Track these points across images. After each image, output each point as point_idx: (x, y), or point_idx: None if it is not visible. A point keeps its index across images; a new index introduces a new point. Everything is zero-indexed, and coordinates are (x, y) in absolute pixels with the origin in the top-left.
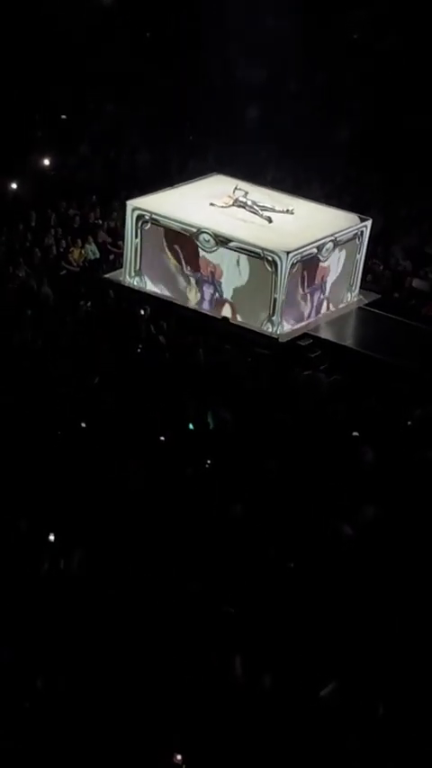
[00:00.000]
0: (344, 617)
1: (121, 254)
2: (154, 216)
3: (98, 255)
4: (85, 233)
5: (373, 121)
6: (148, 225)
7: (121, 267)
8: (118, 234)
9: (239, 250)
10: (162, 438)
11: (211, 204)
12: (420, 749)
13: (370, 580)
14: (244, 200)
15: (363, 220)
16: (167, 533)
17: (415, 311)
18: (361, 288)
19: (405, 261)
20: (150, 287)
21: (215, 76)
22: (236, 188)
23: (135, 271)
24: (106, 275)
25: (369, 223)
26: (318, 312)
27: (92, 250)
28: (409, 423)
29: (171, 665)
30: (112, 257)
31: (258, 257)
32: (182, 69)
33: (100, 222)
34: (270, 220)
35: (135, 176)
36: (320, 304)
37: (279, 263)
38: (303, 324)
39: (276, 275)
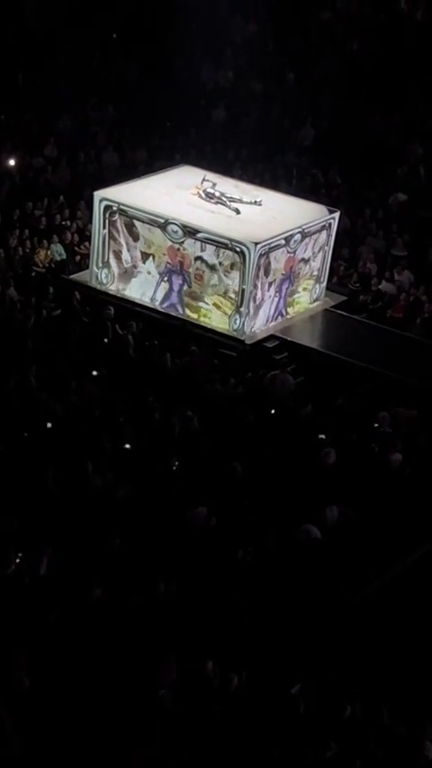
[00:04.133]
0: (312, 617)
1: (88, 255)
2: (122, 206)
3: (64, 256)
4: (51, 234)
5: (338, 122)
6: (116, 216)
7: (87, 268)
8: (84, 234)
9: (207, 241)
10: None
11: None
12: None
13: (337, 581)
14: (212, 191)
15: (331, 212)
16: (135, 535)
17: (381, 313)
18: (327, 290)
19: (371, 263)
20: (116, 281)
21: (182, 76)
22: (204, 179)
23: (102, 262)
24: (72, 276)
25: (337, 215)
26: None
27: (57, 251)
28: (376, 425)
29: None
30: (78, 258)
31: (226, 248)
32: (148, 69)
33: (67, 223)
34: (238, 212)
35: (102, 177)
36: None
37: (247, 253)
38: (270, 324)
39: (244, 266)
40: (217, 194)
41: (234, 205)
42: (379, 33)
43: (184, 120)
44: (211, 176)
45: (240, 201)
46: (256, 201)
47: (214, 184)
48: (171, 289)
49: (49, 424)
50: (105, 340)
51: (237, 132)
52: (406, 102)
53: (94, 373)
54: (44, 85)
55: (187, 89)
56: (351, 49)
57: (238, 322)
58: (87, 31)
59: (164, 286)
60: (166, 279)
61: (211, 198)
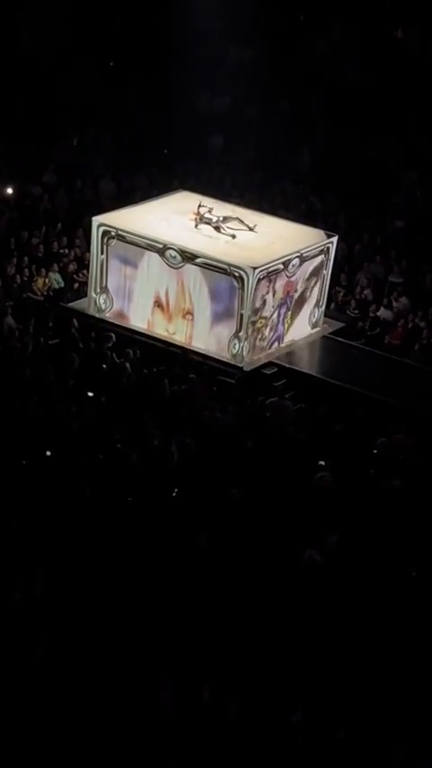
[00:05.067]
0: (311, 642)
1: (86, 283)
2: (120, 232)
3: (62, 284)
4: (49, 262)
5: (335, 149)
6: (114, 241)
7: (86, 296)
8: (82, 262)
9: (206, 266)
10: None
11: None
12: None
13: (337, 606)
14: (210, 216)
15: (329, 237)
16: (133, 561)
17: (379, 340)
18: (326, 316)
19: (369, 289)
20: (115, 305)
21: (179, 104)
22: (200, 205)
23: (100, 287)
24: (70, 304)
25: (335, 239)
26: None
27: (56, 279)
28: (375, 451)
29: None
30: (76, 286)
31: (225, 273)
32: (146, 97)
33: (65, 251)
34: (233, 236)
35: (100, 205)
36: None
37: (246, 278)
38: (269, 351)
39: (243, 291)
40: (213, 219)
41: (229, 230)
42: (374, 61)
43: (182, 148)
44: (209, 201)
45: (236, 226)
46: (250, 227)
47: (210, 209)
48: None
49: (48, 452)
50: (104, 366)
51: (234, 159)
52: (402, 128)
53: (90, 394)
54: (42, 113)
55: (184, 117)
56: (347, 77)
57: (237, 347)
58: (85, 60)
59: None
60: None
61: (207, 223)
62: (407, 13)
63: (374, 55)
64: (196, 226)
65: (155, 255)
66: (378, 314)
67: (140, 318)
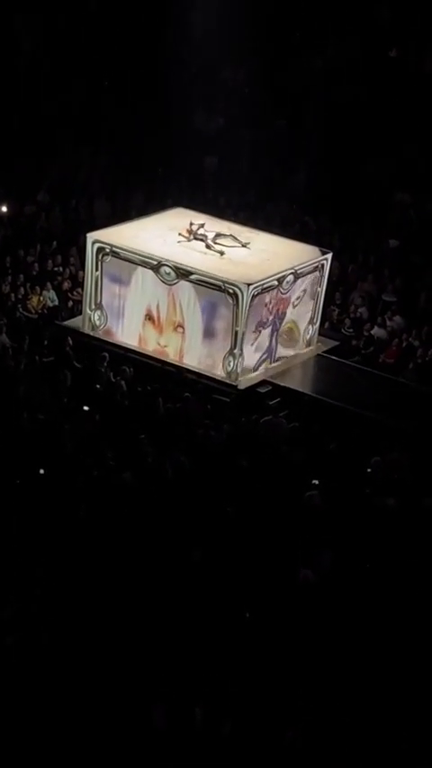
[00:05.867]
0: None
1: (80, 301)
2: (114, 248)
3: (57, 302)
4: (43, 280)
5: (329, 168)
6: (109, 257)
7: (80, 314)
8: (77, 281)
9: (200, 282)
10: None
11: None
12: None
13: (331, 623)
14: (203, 232)
15: (324, 253)
16: (128, 577)
17: (374, 358)
18: (320, 335)
19: (363, 308)
20: (109, 323)
21: (174, 123)
22: (191, 223)
23: (95, 304)
24: (65, 322)
25: (330, 256)
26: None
27: (50, 297)
28: (369, 470)
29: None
30: (70, 304)
31: (219, 289)
32: (141, 117)
33: (60, 269)
34: (222, 253)
35: (94, 223)
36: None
37: (240, 295)
38: (263, 370)
39: (237, 308)
40: (207, 236)
41: (218, 247)
42: (369, 81)
43: (177, 168)
44: (204, 218)
45: (228, 242)
46: (243, 244)
47: (202, 225)
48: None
49: (41, 471)
50: (98, 386)
51: (229, 179)
52: (397, 148)
53: (86, 408)
54: (37, 132)
55: (179, 136)
56: (342, 96)
57: (231, 364)
58: (80, 79)
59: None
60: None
61: (200, 239)
62: (401, 33)
63: (369, 75)
64: (188, 240)
65: (148, 272)
66: (372, 332)
67: (132, 333)
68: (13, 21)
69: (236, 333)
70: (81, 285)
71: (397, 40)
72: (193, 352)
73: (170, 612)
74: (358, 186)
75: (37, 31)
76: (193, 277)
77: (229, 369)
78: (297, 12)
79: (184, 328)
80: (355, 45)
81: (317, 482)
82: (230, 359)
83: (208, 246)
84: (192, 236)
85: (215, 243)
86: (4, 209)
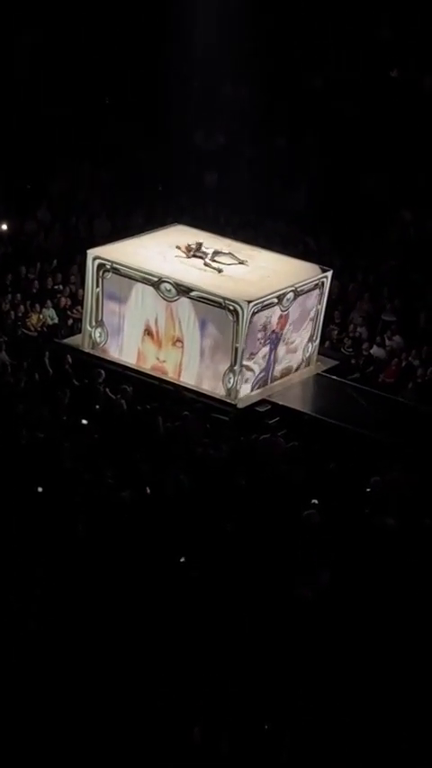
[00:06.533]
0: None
1: (80, 319)
2: (115, 265)
3: (56, 320)
4: (43, 298)
5: (329, 187)
6: (110, 274)
7: (80, 332)
8: (77, 299)
9: (201, 299)
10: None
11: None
12: None
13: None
14: (204, 250)
15: (324, 271)
16: (125, 596)
17: (373, 378)
18: (320, 354)
19: (362, 327)
20: (109, 341)
21: (174, 141)
22: (187, 244)
23: (96, 321)
24: (64, 340)
25: (330, 274)
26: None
27: (50, 315)
28: (368, 489)
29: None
30: (70, 322)
31: (219, 306)
32: (142, 134)
33: (60, 287)
34: (220, 271)
35: (94, 241)
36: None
37: (240, 312)
38: (265, 387)
39: (238, 324)
40: (206, 253)
41: (215, 265)
42: (370, 99)
43: (177, 186)
44: (204, 235)
45: (226, 260)
46: (241, 261)
47: (200, 244)
48: None
49: (39, 489)
50: (97, 406)
51: (229, 197)
52: (397, 167)
53: (84, 422)
54: (38, 150)
55: (179, 154)
56: (342, 115)
57: (231, 380)
58: (81, 97)
59: None
60: None
61: (199, 257)
62: (402, 52)
63: (370, 93)
64: (186, 257)
65: (148, 288)
66: (371, 352)
67: (131, 349)
68: (14, 37)
69: (236, 349)
70: (81, 303)
71: (398, 58)
72: (192, 367)
73: (168, 630)
74: (358, 204)
75: (38, 48)
76: (193, 294)
77: (229, 385)
78: (298, 30)
79: (182, 343)
80: (356, 63)
81: (316, 501)
82: (230, 375)
83: (206, 264)
84: (190, 254)
85: (213, 261)
86: (4, 226)
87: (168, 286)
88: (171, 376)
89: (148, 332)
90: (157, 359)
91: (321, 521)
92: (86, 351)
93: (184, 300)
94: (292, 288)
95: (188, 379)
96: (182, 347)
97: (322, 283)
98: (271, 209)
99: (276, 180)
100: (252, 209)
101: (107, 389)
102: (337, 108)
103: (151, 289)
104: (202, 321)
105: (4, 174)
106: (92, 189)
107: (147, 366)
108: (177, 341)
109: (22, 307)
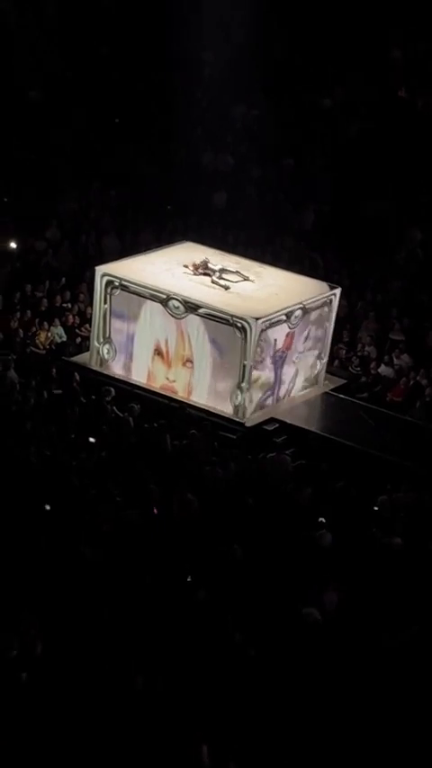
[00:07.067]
0: (312, 703)
1: (88, 337)
2: (123, 282)
3: (65, 338)
4: (51, 316)
5: (337, 206)
6: (118, 291)
7: (88, 350)
8: (85, 317)
9: (209, 316)
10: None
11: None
12: None
13: (337, 665)
14: (211, 266)
15: (332, 288)
16: (132, 615)
17: (381, 397)
18: (328, 373)
19: (370, 346)
20: (117, 358)
21: (182, 160)
22: (193, 263)
23: (103, 337)
24: (72, 358)
25: (338, 291)
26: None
27: (58, 333)
28: (375, 508)
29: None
30: (78, 340)
31: (227, 323)
32: (150, 154)
33: (68, 305)
34: (227, 288)
35: (103, 260)
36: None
37: (248, 329)
38: (273, 405)
39: (245, 342)
40: (214, 270)
41: (223, 282)
42: (378, 119)
43: (185, 205)
44: (213, 253)
45: (232, 277)
46: (246, 278)
47: (206, 261)
48: None
49: (47, 506)
50: (105, 424)
51: (237, 217)
52: (405, 186)
53: (92, 440)
54: (47, 168)
55: (188, 174)
56: (350, 135)
57: (239, 398)
58: (90, 116)
59: None
60: None
61: (206, 274)
62: (410, 72)
63: (378, 113)
64: (193, 274)
65: (156, 306)
66: (379, 371)
67: (141, 369)
68: (25, 56)
69: (244, 366)
70: (89, 321)
71: (406, 79)
72: (202, 386)
73: (175, 650)
74: (366, 224)
75: (48, 67)
76: (201, 311)
77: (237, 402)
78: (306, 51)
79: (192, 363)
80: (364, 83)
81: (323, 520)
82: (238, 393)
83: (213, 282)
84: (198, 271)
85: (220, 278)
86: (13, 245)
87: (176, 303)
88: (181, 395)
89: (158, 352)
90: (167, 379)
91: (333, 541)
92: (94, 368)
93: (194, 318)
94: (301, 305)
95: (198, 399)
96: (191, 367)
97: (330, 301)
98: (279, 229)
99: (284, 200)
100: (260, 228)
101: (115, 407)
102: (345, 128)
103: (160, 307)
104: (211, 339)
105: (14, 194)
106: (101, 208)
107: (156, 386)
108: (188, 361)
109: (30, 325)
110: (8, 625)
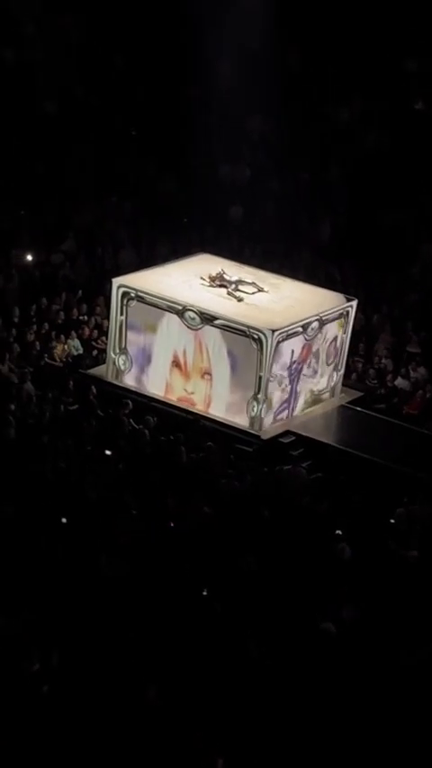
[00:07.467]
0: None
1: (105, 350)
2: (140, 293)
3: (81, 351)
4: (68, 329)
5: (354, 219)
6: (134, 302)
7: (105, 363)
8: (102, 329)
9: (225, 328)
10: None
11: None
12: None
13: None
14: (227, 277)
15: (349, 300)
16: (147, 627)
17: (397, 409)
18: (344, 386)
19: (387, 359)
20: (134, 371)
21: (199, 173)
22: (209, 275)
23: (120, 348)
24: (89, 371)
25: (355, 303)
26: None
27: (74, 345)
28: (392, 521)
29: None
30: (95, 353)
31: (244, 335)
32: (167, 167)
33: (85, 318)
34: (240, 299)
35: (119, 273)
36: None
37: (264, 340)
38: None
39: (262, 353)
40: (229, 282)
41: (238, 294)
42: (394, 132)
43: (202, 218)
44: (229, 264)
45: (247, 289)
46: (261, 289)
47: (222, 273)
48: None
49: (63, 519)
50: (121, 437)
51: (253, 230)
52: (422, 199)
53: (108, 452)
54: (63, 181)
55: (205, 187)
56: (367, 147)
57: (255, 409)
58: (107, 128)
59: None
60: None
61: (222, 286)
62: (426, 84)
63: (394, 126)
64: (209, 286)
65: (174, 317)
66: (396, 383)
67: (159, 381)
68: (43, 70)
69: (260, 378)
70: (106, 334)
71: (422, 90)
72: (221, 398)
73: (190, 664)
74: (382, 237)
75: (65, 80)
76: (217, 322)
77: (253, 414)
78: (322, 63)
79: (211, 375)
80: (380, 97)
81: (340, 532)
82: (254, 404)
83: (229, 293)
84: (215, 283)
85: (236, 290)
86: (30, 257)
87: (192, 314)
88: (199, 407)
89: (176, 364)
90: (185, 390)
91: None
92: (110, 381)
93: (210, 329)
94: (317, 317)
95: (217, 411)
96: (210, 379)
97: (347, 312)
98: (296, 242)
99: (301, 212)
100: (277, 241)
101: (131, 420)
102: (361, 140)
103: (177, 319)
104: (228, 350)
105: (31, 206)
106: (117, 220)
107: (174, 398)
108: (206, 373)
109: (47, 337)
110: (28, 638)
